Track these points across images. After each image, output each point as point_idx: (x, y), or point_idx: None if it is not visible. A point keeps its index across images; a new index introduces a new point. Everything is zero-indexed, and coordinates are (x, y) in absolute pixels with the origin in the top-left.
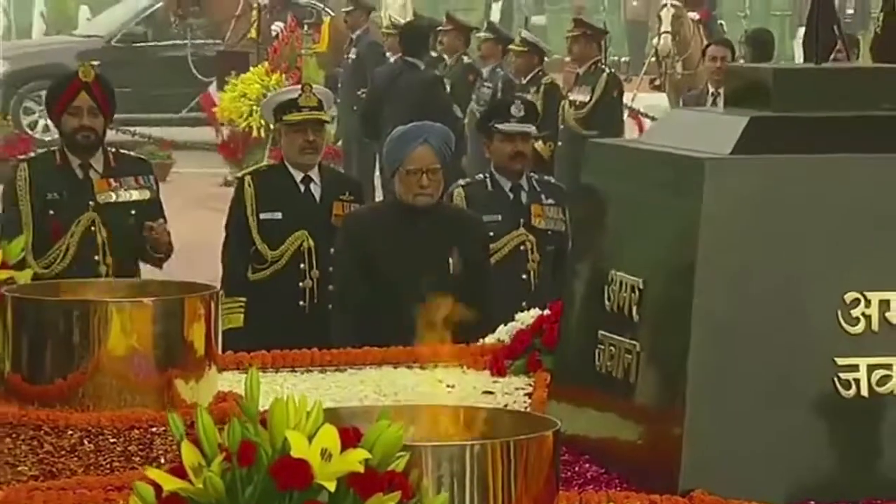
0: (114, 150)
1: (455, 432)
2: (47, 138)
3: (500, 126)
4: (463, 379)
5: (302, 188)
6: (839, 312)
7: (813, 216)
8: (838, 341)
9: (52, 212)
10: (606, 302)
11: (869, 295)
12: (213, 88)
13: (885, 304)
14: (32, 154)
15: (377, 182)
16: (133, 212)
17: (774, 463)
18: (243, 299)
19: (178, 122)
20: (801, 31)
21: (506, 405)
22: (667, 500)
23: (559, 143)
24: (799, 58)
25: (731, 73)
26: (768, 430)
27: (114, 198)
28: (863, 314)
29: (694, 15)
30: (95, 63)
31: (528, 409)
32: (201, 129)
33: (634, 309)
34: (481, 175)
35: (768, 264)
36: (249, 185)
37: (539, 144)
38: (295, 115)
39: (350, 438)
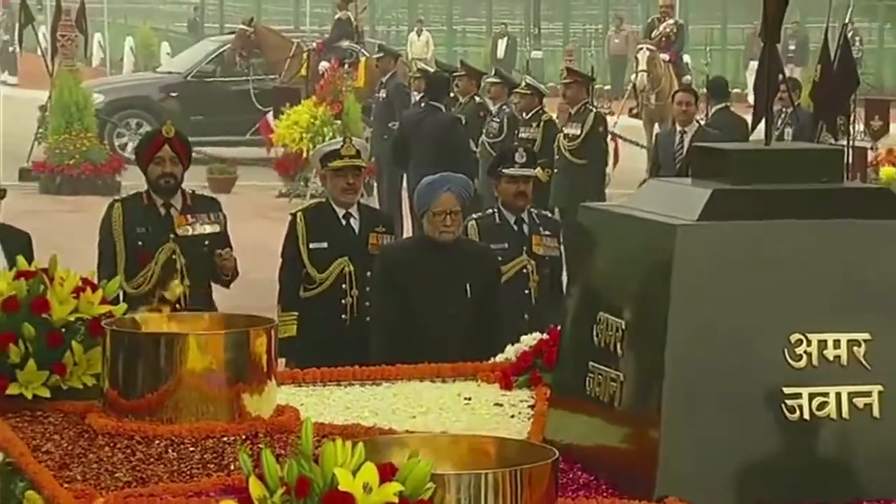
0: (190, 191)
1: (471, 460)
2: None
3: (506, 171)
4: (477, 392)
5: (344, 222)
6: (785, 350)
7: (765, 271)
8: (785, 374)
9: (140, 243)
10: (595, 338)
11: (810, 336)
12: (270, 116)
13: (822, 344)
14: (124, 191)
15: (404, 194)
16: (206, 242)
17: (734, 473)
18: (296, 313)
19: (241, 143)
20: (752, 63)
21: (513, 416)
22: None
23: (555, 170)
24: (750, 85)
25: (697, 151)
26: (729, 446)
27: (190, 231)
28: (805, 352)
29: (665, 56)
30: (174, 95)
31: (532, 420)
32: (261, 150)
33: (618, 345)
34: (490, 210)
35: (728, 311)
36: (301, 221)
37: (538, 171)
38: (337, 163)
39: (387, 473)
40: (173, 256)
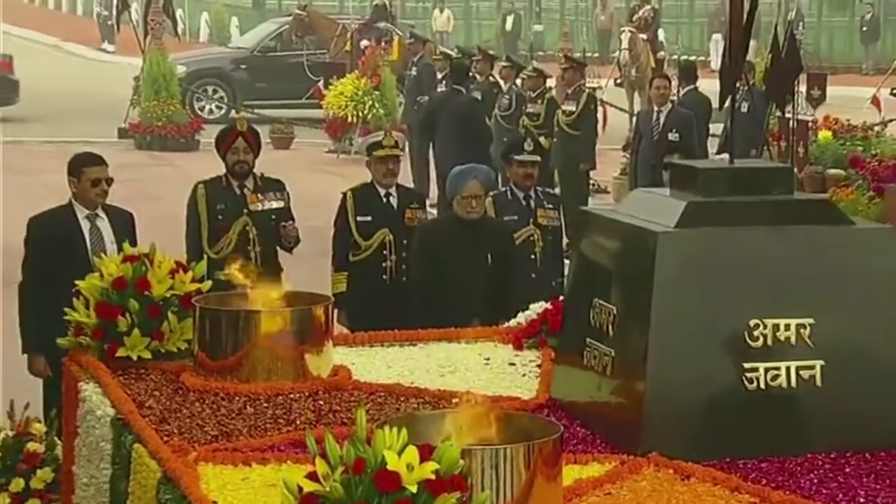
0: (260, 174)
1: (491, 432)
2: (211, 117)
3: (516, 157)
4: (495, 352)
5: (385, 200)
6: (745, 333)
7: (729, 268)
8: (745, 352)
9: (219, 217)
10: (591, 320)
11: (766, 321)
12: (321, 84)
13: (776, 327)
14: (204, 177)
15: (430, 155)
16: (273, 216)
17: (704, 433)
18: (346, 273)
19: (297, 105)
20: (715, 35)
21: (524, 374)
22: (632, 460)
23: (554, 140)
24: (712, 54)
25: (675, 168)
26: (699, 412)
27: (260, 207)
28: (762, 334)
29: (643, 36)
30: (243, 66)
31: (539, 379)
32: (313, 112)
33: (610, 327)
34: (503, 188)
35: (699, 301)
36: (350, 198)
37: (542, 139)
38: (380, 152)
39: (426, 454)
40: (246, 228)
